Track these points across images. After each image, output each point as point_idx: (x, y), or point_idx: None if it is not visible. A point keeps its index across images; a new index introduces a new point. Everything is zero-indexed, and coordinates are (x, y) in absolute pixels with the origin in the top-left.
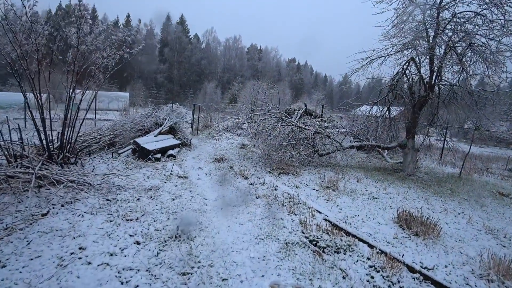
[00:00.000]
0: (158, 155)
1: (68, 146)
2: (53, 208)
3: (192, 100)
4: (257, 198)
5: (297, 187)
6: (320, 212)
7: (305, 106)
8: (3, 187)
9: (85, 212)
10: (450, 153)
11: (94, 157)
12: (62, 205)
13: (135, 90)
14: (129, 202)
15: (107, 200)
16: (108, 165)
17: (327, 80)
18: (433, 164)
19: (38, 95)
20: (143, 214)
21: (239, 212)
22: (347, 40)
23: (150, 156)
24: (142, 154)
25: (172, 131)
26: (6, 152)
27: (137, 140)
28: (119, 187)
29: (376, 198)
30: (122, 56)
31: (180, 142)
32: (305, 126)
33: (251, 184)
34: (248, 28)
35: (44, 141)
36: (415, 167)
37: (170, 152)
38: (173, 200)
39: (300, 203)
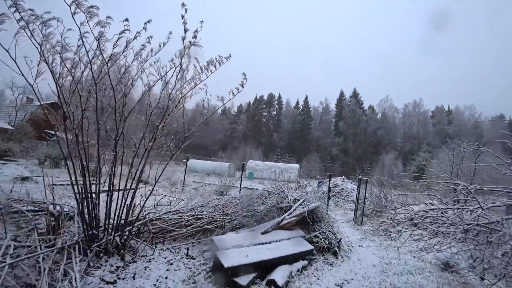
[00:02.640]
0: (247, 278)
1: (115, 231)
2: None
3: (369, 174)
4: None
5: None
6: None
7: None
8: None
9: None
10: None
11: (164, 250)
12: None
13: (311, 162)
14: None
15: None
16: (159, 277)
17: None
18: None
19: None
20: None
21: None
22: None
23: (228, 278)
24: (215, 270)
25: (310, 220)
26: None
27: (217, 238)
28: None
29: None
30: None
31: (310, 248)
32: None
33: None
34: (430, 89)
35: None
36: None
37: (279, 273)
38: None
39: None
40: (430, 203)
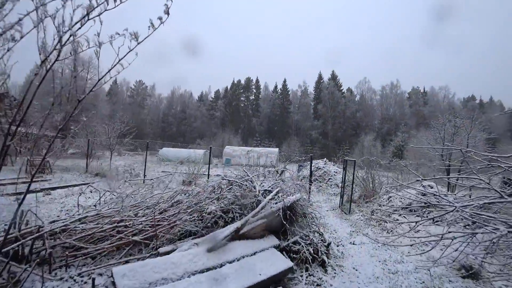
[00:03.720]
0: None
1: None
2: None
3: (349, 156)
4: None
5: None
6: None
7: None
8: None
9: None
10: None
11: (65, 279)
12: None
13: (291, 146)
14: None
15: None
16: None
17: None
18: None
19: None
20: None
21: None
22: None
23: None
24: None
25: (286, 220)
26: None
27: (120, 271)
28: None
29: None
30: None
31: (287, 267)
32: None
33: None
34: (407, 70)
35: None
36: None
37: None
38: None
39: None
40: (429, 185)
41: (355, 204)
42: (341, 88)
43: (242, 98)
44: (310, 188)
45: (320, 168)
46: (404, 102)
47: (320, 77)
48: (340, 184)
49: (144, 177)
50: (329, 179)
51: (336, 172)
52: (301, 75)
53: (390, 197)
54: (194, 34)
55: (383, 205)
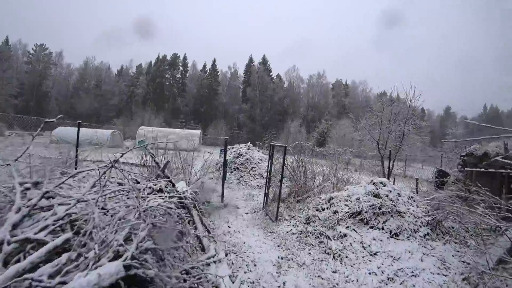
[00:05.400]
0: None
1: None
2: None
3: (275, 141)
4: None
5: None
6: None
7: None
8: None
9: None
10: None
11: None
12: None
13: (217, 129)
14: None
15: None
16: None
17: (425, 114)
18: None
19: None
20: None
21: None
22: None
23: None
24: None
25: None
26: None
27: None
28: None
29: None
30: None
31: None
32: None
33: None
34: (334, 63)
35: None
36: None
37: None
38: None
39: None
40: (380, 182)
41: (284, 205)
42: (271, 74)
43: (167, 76)
44: (224, 181)
45: (242, 155)
46: (329, 92)
47: (250, 60)
48: (266, 175)
49: None
50: (252, 167)
51: (261, 160)
52: (231, 58)
53: (332, 198)
54: None
55: (322, 208)
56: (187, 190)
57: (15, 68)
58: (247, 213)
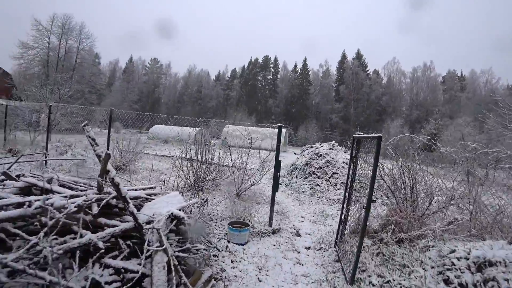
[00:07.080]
0: None
1: None
2: None
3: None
4: None
5: None
6: None
7: None
8: None
9: None
10: None
11: None
12: None
13: (309, 130)
14: None
15: None
16: None
17: None
18: None
19: None
20: None
21: None
22: None
23: None
24: None
25: None
26: None
27: None
28: None
29: None
30: None
31: None
32: None
33: None
34: (443, 51)
35: None
36: None
37: None
38: None
39: None
40: None
41: (373, 246)
42: (367, 70)
43: (259, 78)
44: (274, 193)
45: (320, 156)
46: (438, 86)
47: (344, 57)
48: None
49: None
50: (334, 173)
51: (346, 164)
52: (323, 55)
53: (490, 264)
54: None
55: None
56: (171, 213)
57: (136, 79)
58: (308, 248)
